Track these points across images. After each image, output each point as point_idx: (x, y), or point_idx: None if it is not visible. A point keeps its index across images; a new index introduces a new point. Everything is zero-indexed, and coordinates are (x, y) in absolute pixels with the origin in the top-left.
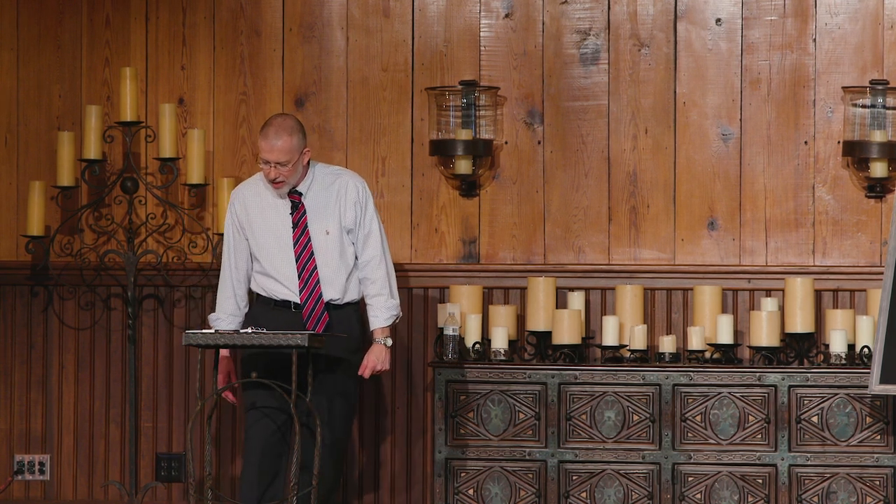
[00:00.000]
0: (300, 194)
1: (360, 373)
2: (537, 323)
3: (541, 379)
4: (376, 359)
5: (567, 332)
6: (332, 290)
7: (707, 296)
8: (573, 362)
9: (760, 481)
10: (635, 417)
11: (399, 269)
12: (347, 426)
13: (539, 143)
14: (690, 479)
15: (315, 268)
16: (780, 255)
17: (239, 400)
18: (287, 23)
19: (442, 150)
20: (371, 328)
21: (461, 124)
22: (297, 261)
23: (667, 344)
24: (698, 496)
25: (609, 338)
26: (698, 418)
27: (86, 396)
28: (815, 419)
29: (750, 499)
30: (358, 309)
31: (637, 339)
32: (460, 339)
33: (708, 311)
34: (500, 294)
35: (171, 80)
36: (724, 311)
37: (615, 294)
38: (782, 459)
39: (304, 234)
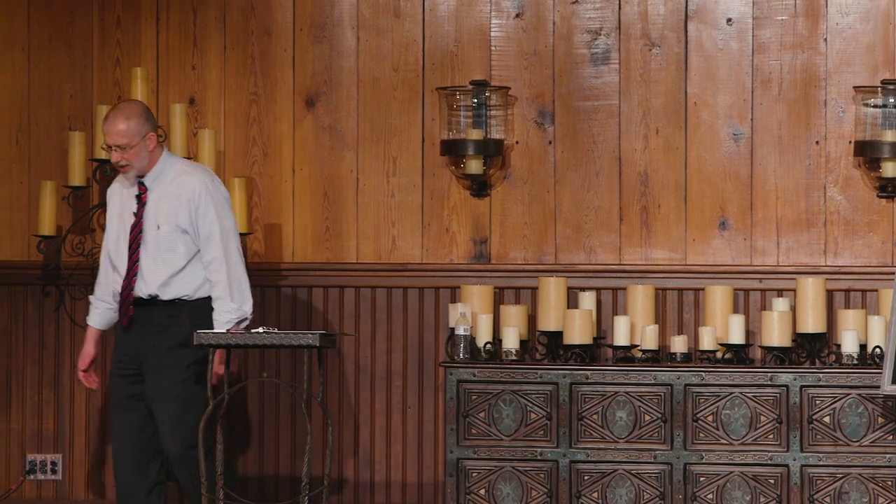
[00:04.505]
0: (146, 187)
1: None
2: (548, 323)
3: (552, 379)
4: (214, 365)
5: (578, 332)
6: (147, 285)
7: (718, 296)
8: (584, 362)
9: (772, 481)
10: (647, 417)
11: (410, 268)
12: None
13: (550, 142)
14: (702, 479)
15: (137, 261)
16: (792, 255)
17: (103, 387)
18: (298, 23)
19: (453, 150)
20: (213, 331)
21: (472, 124)
22: (128, 250)
23: (678, 344)
24: (710, 496)
25: (620, 338)
26: (710, 418)
27: (97, 396)
28: (826, 419)
29: (762, 499)
30: (193, 306)
31: (648, 339)
32: (471, 339)
33: (719, 311)
34: (512, 294)
35: (182, 80)
36: (735, 311)
37: (626, 294)
38: (794, 460)
39: (138, 226)
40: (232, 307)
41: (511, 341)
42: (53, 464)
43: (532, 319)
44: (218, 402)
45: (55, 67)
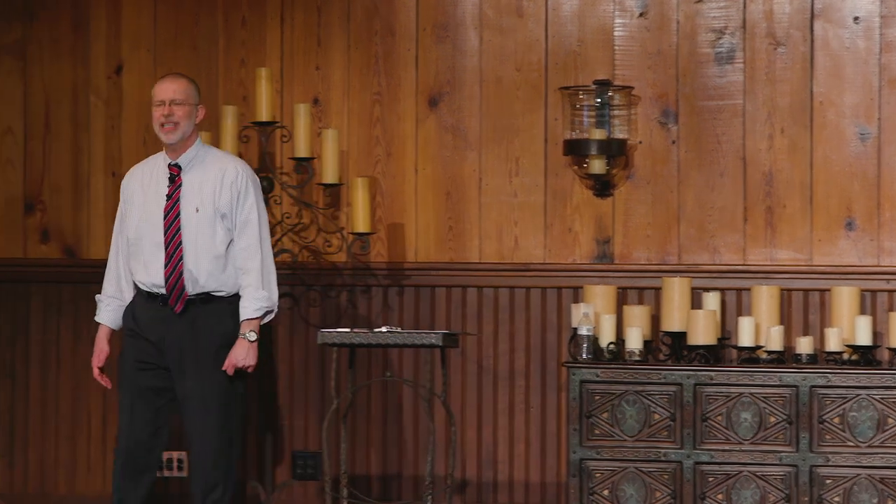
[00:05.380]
0: (180, 168)
1: (223, 367)
2: (672, 323)
3: (676, 380)
4: (236, 356)
5: (702, 332)
6: (195, 268)
7: (845, 297)
8: (709, 363)
9: None
10: (772, 419)
11: (533, 268)
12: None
13: (673, 142)
14: (828, 481)
15: (180, 243)
16: None
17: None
18: (421, 23)
19: (576, 150)
20: (241, 319)
21: (595, 124)
22: (164, 234)
23: (804, 345)
24: (837, 499)
25: (745, 339)
26: (836, 420)
27: None
28: None
29: (890, 503)
30: (233, 303)
31: (773, 340)
32: (594, 340)
33: (846, 313)
34: (635, 294)
35: (306, 80)
36: (862, 312)
37: (751, 294)
38: None
39: (175, 208)
40: (263, 295)
41: (634, 341)
42: (180, 461)
43: (655, 320)
44: (341, 401)
45: (181, 67)
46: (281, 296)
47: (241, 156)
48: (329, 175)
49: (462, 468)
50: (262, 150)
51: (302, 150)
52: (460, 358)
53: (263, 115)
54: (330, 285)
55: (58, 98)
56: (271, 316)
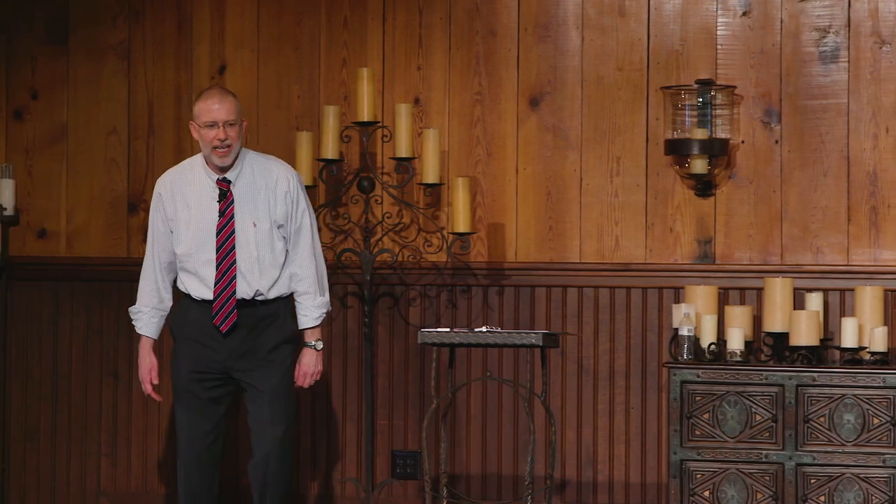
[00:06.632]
0: (229, 182)
1: (297, 384)
2: (774, 324)
3: (778, 380)
4: (307, 364)
5: (805, 333)
6: (249, 286)
7: None
8: (811, 364)
9: None
10: (875, 421)
11: (633, 268)
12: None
13: (776, 142)
14: None
15: (234, 262)
16: None
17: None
18: (522, 22)
19: (677, 150)
20: (300, 328)
21: (697, 123)
22: (216, 251)
23: None
24: None
25: (848, 339)
26: None
27: (323, 394)
28: None
29: None
30: (289, 301)
31: (877, 341)
32: (695, 340)
33: None
34: (736, 294)
35: (407, 80)
36: None
37: (854, 295)
38: None
39: (230, 224)
40: (322, 301)
41: (736, 342)
42: None
43: (757, 320)
44: (441, 400)
45: (283, 68)
46: (381, 296)
47: (342, 156)
48: (430, 175)
49: (562, 468)
50: (363, 149)
51: (403, 150)
52: (560, 358)
53: (365, 114)
54: (430, 285)
55: (161, 98)
56: (325, 316)
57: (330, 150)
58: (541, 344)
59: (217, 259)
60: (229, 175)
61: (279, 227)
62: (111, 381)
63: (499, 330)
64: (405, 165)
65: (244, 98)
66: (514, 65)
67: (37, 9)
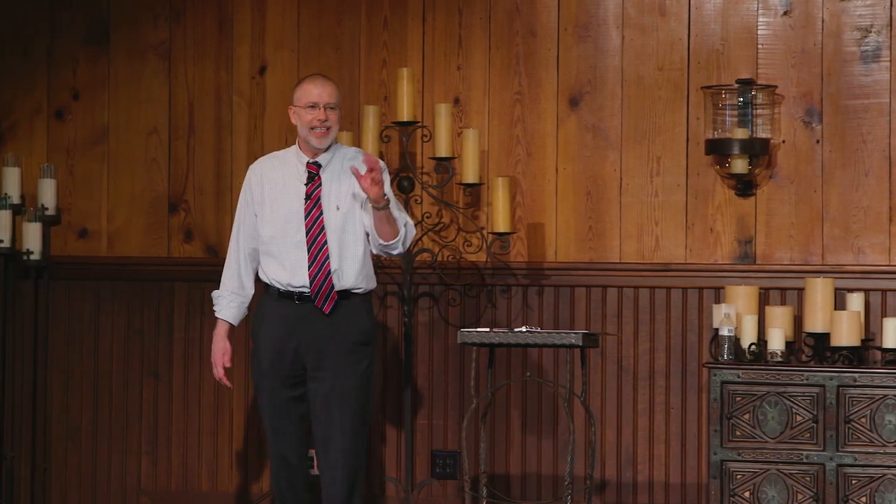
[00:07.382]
0: (319, 166)
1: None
2: (815, 324)
3: (819, 381)
4: (372, 162)
5: (846, 333)
6: (340, 266)
7: None
8: (852, 364)
9: None
10: None
11: (673, 268)
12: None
13: (817, 142)
14: None
15: (325, 242)
16: None
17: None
18: (562, 22)
19: (718, 150)
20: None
21: (737, 123)
22: (307, 233)
23: None
24: None
25: (890, 340)
26: None
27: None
28: None
29: None
30: (367, 300)
31: None
32: (736, 340)
33: None
34: (777, 295)
35: (447, 80)
36: None
37: None
38: None
39: (317, 207)
40: (403, 233)
41: (776, 342)
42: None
43: (798, 320)
44: (480, 401)
45: (323, 68)
46: (420, 295)
47: (381, 157)
48: (469, 175)
49: (601, 468)
50: (402, 149)
51: (442, 150)
52: (600, 358)
53: (404, 114)
54: (469, 285)
55: (201, 99)
56: (404, 239)
57: (370, 150)
58: (580, 344)
59: (308, 241)
60: (320, 159)
61: (362, 205)
62: (151, 381)
63: (538, 330)
64: (445, 165)
65: (283, 100)
66: (553, 64)
67: (77, 10)
